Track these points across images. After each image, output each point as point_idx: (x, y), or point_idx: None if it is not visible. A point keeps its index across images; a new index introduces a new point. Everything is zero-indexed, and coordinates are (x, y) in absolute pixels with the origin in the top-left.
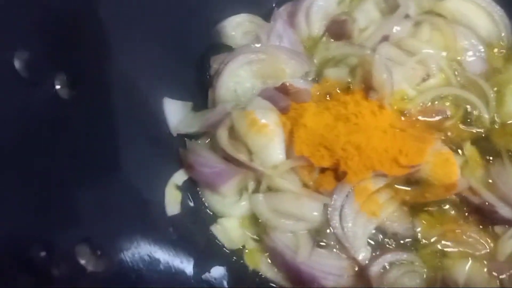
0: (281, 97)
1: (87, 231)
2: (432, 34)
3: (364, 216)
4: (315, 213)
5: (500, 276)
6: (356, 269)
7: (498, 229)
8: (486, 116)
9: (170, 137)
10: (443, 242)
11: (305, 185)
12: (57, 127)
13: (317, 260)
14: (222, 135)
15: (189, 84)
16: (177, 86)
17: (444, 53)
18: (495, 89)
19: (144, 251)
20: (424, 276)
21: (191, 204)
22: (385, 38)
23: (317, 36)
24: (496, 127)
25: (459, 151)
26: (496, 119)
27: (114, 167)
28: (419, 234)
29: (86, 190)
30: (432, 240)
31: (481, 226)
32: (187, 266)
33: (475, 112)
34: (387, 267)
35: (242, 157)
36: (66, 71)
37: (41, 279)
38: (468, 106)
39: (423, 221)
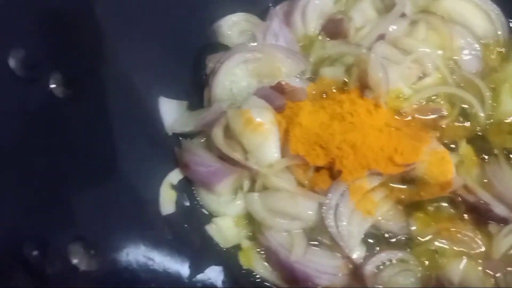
0: (277, 96)
1: (81, 230)
2: (428, 33)
3: (359, 214)
4: (310, 212)
5: (495, 275)
6: (351, 267)
7: (493, 227)
8: (482, 114)
9: (166, 136)
10: (438, 240)
11: (300, 184)
12: (52, 126)
13: (311, 259)
14: (218, 134)
15: (185, 83)
16: (172, 85)
17: (440, 52)
18: (491, 87)
19: (139, 250)
20: (419, 274)
21: (186, 203)
22: (381, 37)
23: (313, 35)
24: (492, 125)
25: (455, 149)
26: (492, 117)
27: (110, 166)
28: (414, 233)
29: (81, 188)
30: (427, 238)
31: (476, 225)
32: (182, 266)
33: (471, 111)
34: (382, 266)
35: (238, 156)
36: (62, 70)
37: (35, 277)
38: (464, 105)
39: (418, 220)
